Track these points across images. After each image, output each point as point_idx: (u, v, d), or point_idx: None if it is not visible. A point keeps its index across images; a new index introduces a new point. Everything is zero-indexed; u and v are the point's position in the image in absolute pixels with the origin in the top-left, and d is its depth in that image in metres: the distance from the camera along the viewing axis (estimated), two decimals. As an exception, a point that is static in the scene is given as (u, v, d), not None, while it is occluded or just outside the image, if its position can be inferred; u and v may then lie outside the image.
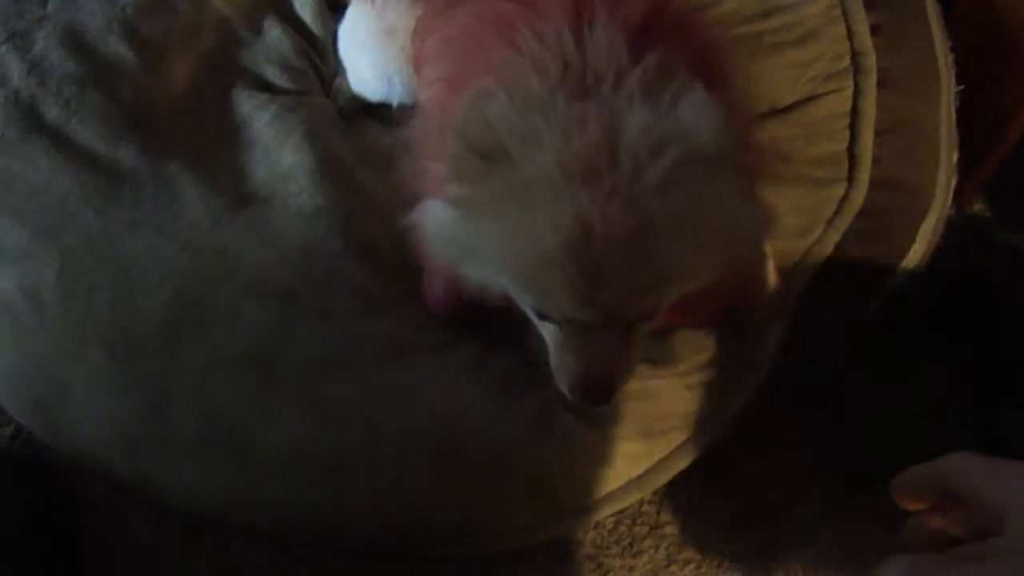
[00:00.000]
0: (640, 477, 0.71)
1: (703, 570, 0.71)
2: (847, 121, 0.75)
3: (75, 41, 0.77)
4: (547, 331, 0.56)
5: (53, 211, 0.71)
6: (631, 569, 0.72)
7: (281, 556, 0.69)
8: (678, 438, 0.72)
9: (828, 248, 0.75)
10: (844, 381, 0.75)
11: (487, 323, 0.69)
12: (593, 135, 0.48)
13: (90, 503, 0.69)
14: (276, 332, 0.68)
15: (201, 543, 0.69)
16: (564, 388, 0.56)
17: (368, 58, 0.80)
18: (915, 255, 0.76)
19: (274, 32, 0.84)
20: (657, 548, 0.72)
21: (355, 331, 0.69)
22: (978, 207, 0.87)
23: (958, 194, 0.79)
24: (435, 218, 0.54)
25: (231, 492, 0.66)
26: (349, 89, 0.84)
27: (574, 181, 0.47)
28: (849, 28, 0.75)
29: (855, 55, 0.75)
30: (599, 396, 0.56)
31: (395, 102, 0.82)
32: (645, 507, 0.73)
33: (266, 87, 0.81)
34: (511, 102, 0.50)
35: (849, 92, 0.75)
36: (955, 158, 0.76)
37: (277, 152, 0.75)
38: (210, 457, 0.65)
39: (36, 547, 0.66)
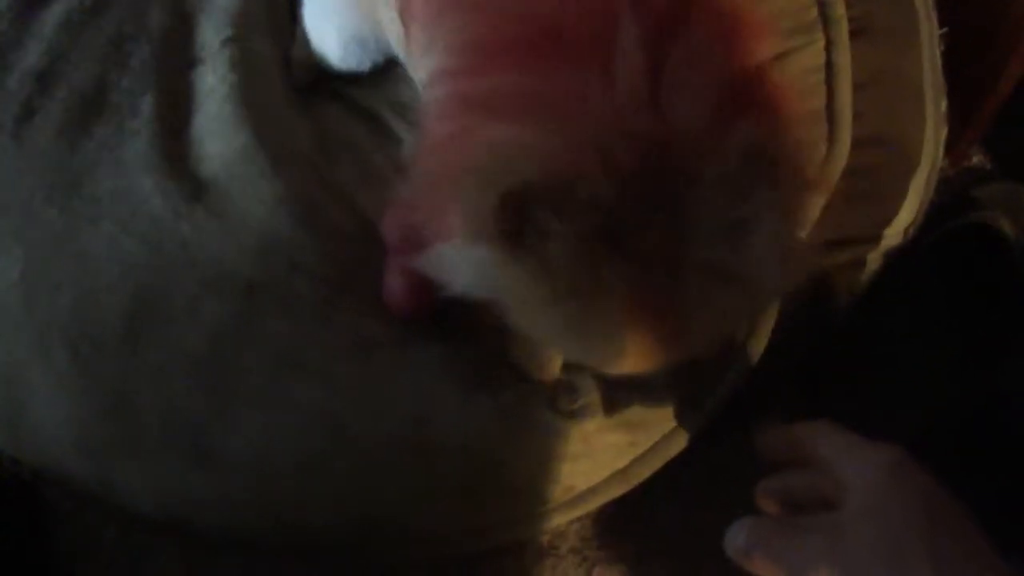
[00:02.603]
0: (624, 469, 0.68)
1: (692, 560, 0.66)
2: (821, 76, 0.71)
3: (34, 35, 0.77)
4: None
5: (16, 210, 0.71)
6: (619, 560, 0.68)
7: (251, 563, 0.67)
8: (663, 429, 0.68)
9: (815, 213, 0.71)
10: (837, 353, 0.70)
11: (455, 319, 0.67)
12: (661, 276, 0.43)
13: (58, 517, 0.68)
14: (237, 328, 0.66)
15: (171, 553, 0.68)
16: None
17: (338, 23, 0.77)
18: (907, 213, 0.71)
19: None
20: (646, 537, 0.68)
21: (318, 325, 0.67)
22: (977, 159, 0.82)
23: (952, 147, 0.74)
24: (459, 266, 0.48)
25: (196, 496, 0.64)
26: (306, 59, 0.82)
27: (635, 323, 0.45)
28: (813, -24, 0.71)
29: (822, 5, 0.70)
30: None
31: (368, 67, 0.79)
32: (632, 496, 0.69)
33: (224, 62, 0.78)
34: (570, 226, 0.42)
35: (820, 45, 0.70)
36: (943, 107, 0.71)
37: (235, 131, 0.73)
38: (174, 460, 0.64)
39: (2, 562, 0.65)
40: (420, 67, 0.60)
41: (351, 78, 0.81)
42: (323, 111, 0.81)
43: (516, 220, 0.42)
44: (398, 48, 0.71)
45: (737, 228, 0.43)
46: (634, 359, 0.47)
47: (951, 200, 0.73)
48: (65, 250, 0.69)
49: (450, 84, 0.50)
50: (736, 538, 0.45)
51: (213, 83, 0.76)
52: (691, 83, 0.43)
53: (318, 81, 0.83)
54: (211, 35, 0.79)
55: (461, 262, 0.47)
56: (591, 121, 0.43)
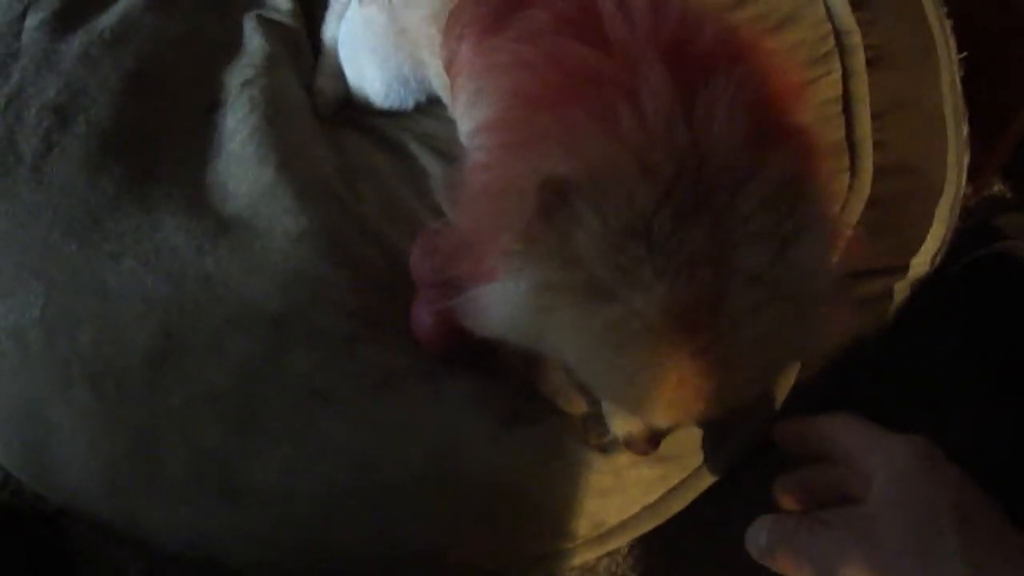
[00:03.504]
0: (655, 504, 0.67)
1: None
2: (840, 107, 0.71)
3: (52, 71, 0.77)
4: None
5: (36, 246, 0.70)
6: (649, 597, 0.67)
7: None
8: (694, 462, 0.67)
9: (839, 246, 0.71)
10: (863, 384, 0.69)
11: (484, 352, 0.66)
12: (703, 280, 0.42)
13: (82, 553, 0.67)
14: (263, 363, 0.66)
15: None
16: (620, 436, 0.58)
17: (378, 62, 0.77)
18: (934, 240, 0.71)
19: (255, 41, 0.82)
20: (678, 571, 0.67)
21: (344, 359, 0.66)
22: (997, 188, 0.82)
23: (974, 175, 0.74)
24: (500, 302, 0.48)
25: (222, 533, 0.63)
26: (331, 90, 0.82)
27: (676, 333, 0.43)
28: (828, 7, 0.72)
29: (838, 35, 0.71)
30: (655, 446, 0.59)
31: (411, 106, 0.79)
32: (662, 530, 0.67)
33: (244, 104, 0.78)
34: (603, 220, 0.42)
35: (838, 76, 0.71)
36: (965, 133, 0.72)
37: (259, 169, 0.73)
38: (199, 497, 0.63)
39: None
40: (465, 117, 0.62)
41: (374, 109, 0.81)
42: (347, 142, 0.81)
43: (554, 202, 0.43)
44: (442, 93, 0.72)
45: (784, 241, 0.43)
46: (677, 393, 0.45)
47: (974, 229, 0.73)
48: (86, 286, 0.68)
49: (494, 136, 0.51)
50: (758, 537, 0.44)
51: (233, 125, 0.76)
52: (724, 110, 0.44)
53: (342, 111, 0.83)
54: (231, 77, 0.79)
55: (500, 302, 0.48)
56: (627, 136, 0.44)
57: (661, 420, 0.48)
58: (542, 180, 0.43)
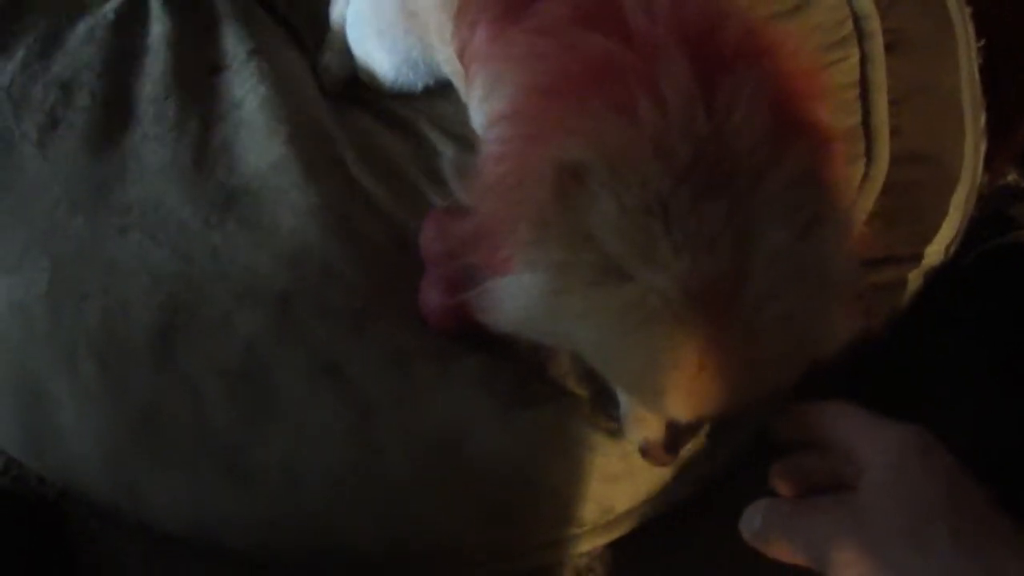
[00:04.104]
0: (665, 490, 0.66)
1: (737, 582, 0.64)
2: (857, 92, 0.71)
3: (58, 47, 0.77)
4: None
5: (42, 220, 0.69)
6: (657, 583, 0.66)
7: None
8: (703, 450, 0.66)
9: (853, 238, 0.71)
10: (877, 374, 0.69)
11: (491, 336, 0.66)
12: (723, 257, 0.42)
13: (83, 537, 0.66)
14: (270, 340, 0.65)
15: (198, 574, 0.65)
16: (637, 444, 0.57)
17: (387, 47, 0.76)
18: (949, 229, 0.70)
19: (258, 17, 0.82)
20: (687, 559, 0.66)
21: (352, 337, 0.66)
22: (1011, 178, 0.82)
23: (989, 164, 0.74)
24: (516, 294, 0.48)
25: (226, 513, 0.63)
26: (338, 67, 0.82)
27: (697, 311, 0.42)
28: (846, -10, 0.71)
29: (856, 19, 0.71)
30: (674, 454, 0.57)
31: (420, 88, 0.79)
32: (673, 516, 0.67)
33: (252, 74, 0.77)
34: (619, 201, 0.42)
35: (855, 60, 0.71)
36: (982, 121, 0.71)
37: (268, 141, 0.73)
38: (203, 475, 0.63)
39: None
40: (480, 109, 0.62)
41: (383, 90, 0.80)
42: (357, 121, 0.80)
43: (569, 186, 0.43)
44: (454, 79, 0.71)
45: (803, 228, 0.43)
46: (697, 379, 0.44)
47: (988, 219, 0.73)
48: (92, 260, 0.68)
49: (510, 127, 0.51)
50: (752, 521, 0.44)
51: (241, 94, 0.75)
52: (745, 102, 0.44)
53: (350, 88, 0.82)
54: (235, 44, 0.79)
55: (515, 295, 0.47)
56: (645, 123, 0.43)
57: (680, 411, 0.47)
58: (558, 164, 0.43)
